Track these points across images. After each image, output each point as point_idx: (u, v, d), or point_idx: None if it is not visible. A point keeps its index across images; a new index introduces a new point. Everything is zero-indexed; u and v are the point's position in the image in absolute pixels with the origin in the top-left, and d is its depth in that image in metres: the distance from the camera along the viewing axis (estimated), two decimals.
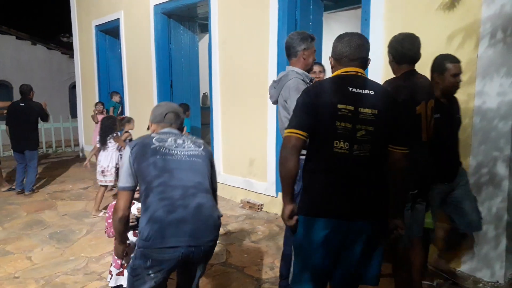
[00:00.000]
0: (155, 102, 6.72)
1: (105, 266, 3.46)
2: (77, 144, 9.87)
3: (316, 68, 3.15)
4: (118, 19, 7.41)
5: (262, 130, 4.90)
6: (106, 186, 4.96)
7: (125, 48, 7.42)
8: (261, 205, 4.92)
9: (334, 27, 9.29)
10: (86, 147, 9.04)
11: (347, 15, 8.80)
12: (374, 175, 1.85)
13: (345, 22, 10.16)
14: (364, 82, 1.88)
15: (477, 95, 3.05)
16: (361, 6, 3.88)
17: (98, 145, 4.98)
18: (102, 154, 4.92)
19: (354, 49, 1.88)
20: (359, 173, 1.82)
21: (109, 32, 8.19)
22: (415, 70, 2.47)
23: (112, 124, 5.04)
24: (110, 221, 2.47)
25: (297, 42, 2.66)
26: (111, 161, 4.90)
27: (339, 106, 1.80)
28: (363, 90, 1.83)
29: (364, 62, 1.93)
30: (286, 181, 1.90)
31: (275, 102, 2.79)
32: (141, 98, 7.17)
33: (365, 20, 3.83)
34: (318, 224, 1.84)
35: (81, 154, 9.25)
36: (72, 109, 12.97)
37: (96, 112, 7.35)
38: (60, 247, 3.91)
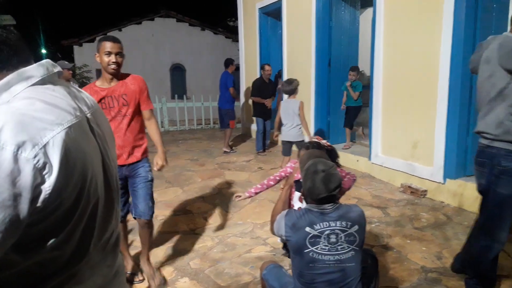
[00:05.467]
0: (313, 82, 6.81)
1: (268, 233, 3.72)
2: (239, 122, 10.73)
3: None
4: (281, 0, 7.66)
5: (429, 111, 4.52)
6: None
7: (286, 29, 7.64)
8: (425, 191, 4.57)
9: None
10: (246, 124, 9.77)
11: None
12: None
13: None
14: None
15: None
16: None
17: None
18: None
19: None
20: None
21: (271, 14, 8.54)
22: None
23: None
24: (282, 173, 2.87)
25: None
26: None
27: None
28: None
29: None
30: None
31: (475, 69, 2.46)
32: (299, 77, 7.31)
33: None
34: None
35: (242, 131, 10.04)
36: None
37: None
38: (230, 212, 4.34)
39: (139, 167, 2.79)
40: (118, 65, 2.61)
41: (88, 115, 0.93)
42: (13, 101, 0.79)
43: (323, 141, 2.84)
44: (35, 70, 0.86)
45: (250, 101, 8.01)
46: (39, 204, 0.73)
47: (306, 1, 6.80)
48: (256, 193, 3.03)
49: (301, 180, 2.42)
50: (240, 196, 3.05)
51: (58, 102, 0.84)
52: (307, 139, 5.16)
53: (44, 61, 0.90)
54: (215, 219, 4.16)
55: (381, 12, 5.23)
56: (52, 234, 0.79)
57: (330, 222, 1.89)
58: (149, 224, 2.86)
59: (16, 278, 0.80)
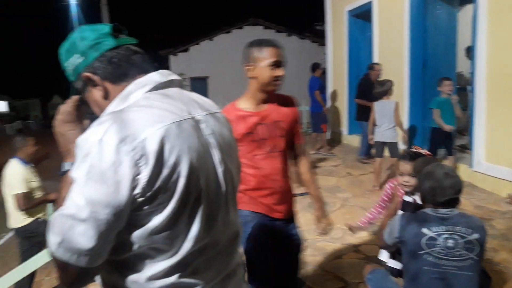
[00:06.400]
0: (406, 85, 6.52)
1: (359, 240, 3.66)
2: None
3: None
4: (371, 1, 7.46)
5: None
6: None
7: (376, 30, 7.43)
8: None
9: None
10: (334, 129, 9.65)
11: None
12: None
13: None
14: None
15: None
16: None
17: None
18: None
19: None
20: None
21: (361, 16, 8.35)
22: None
23: None
24: (385, 197, 2.69)
25: None
26: None
27: None
28: None
29: None
30: None
31: None
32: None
33: None
34: None
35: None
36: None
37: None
38: None
39: (293, 225, 2.14)
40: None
41: (199, 116, 1.01)
42: (129, 107, 0.93)
43: (423, 151, 2.70)
44: (149, 79, 1.01)
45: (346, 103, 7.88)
46: (138, 191, 0.85)
47: (399, 0, 6.55)
48: (370, 223, 2.92)
49: (406, 198, 2.33)
50: (352, 229, 2.96)
51: (165, 105, 0.95)
52: (400, 141, 5.00)
53: (158, 71, 1.04)
54: (304, 222, 4.19)
55: (484, 7, 4.84)
56: (155, 218, 0.89)
57: (448, 226, 1.83)
58: None
59: (134, 260, 0.93)
